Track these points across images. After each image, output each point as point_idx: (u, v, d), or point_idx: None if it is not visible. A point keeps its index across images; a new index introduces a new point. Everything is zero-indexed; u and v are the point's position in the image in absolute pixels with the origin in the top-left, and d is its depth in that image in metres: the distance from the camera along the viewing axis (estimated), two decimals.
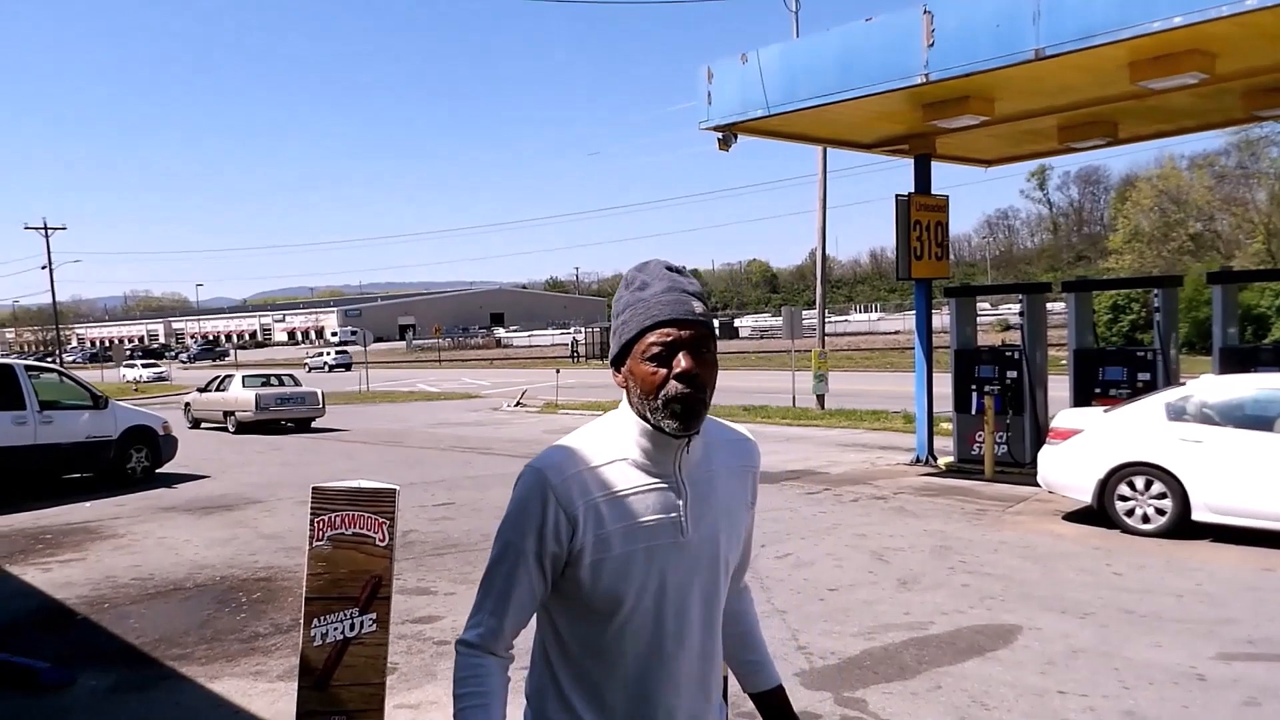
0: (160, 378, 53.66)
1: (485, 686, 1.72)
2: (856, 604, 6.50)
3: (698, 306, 1.62)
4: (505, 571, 1.70)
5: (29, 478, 12.45)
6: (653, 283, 1.64)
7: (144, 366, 56.71)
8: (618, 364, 1.67)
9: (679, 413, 1.59)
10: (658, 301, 1.61)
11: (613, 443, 1.68)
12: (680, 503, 1.66)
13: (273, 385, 22.67)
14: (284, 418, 22.01)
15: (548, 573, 1.67)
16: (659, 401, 1.59)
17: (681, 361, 1.58)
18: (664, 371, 1.59)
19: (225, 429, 22.02)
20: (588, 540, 1.62)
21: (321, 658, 3.53)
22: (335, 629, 3.53)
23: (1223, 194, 50.64)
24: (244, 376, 23.09)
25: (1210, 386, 8.55)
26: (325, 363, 62.03)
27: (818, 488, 11.32)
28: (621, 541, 1.63)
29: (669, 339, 1.59)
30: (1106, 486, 8.61)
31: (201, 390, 23.77)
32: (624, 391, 1.69)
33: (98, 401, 13.47)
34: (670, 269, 1.67)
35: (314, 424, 22.77)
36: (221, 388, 23.03)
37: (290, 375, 24.44)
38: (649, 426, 1.64)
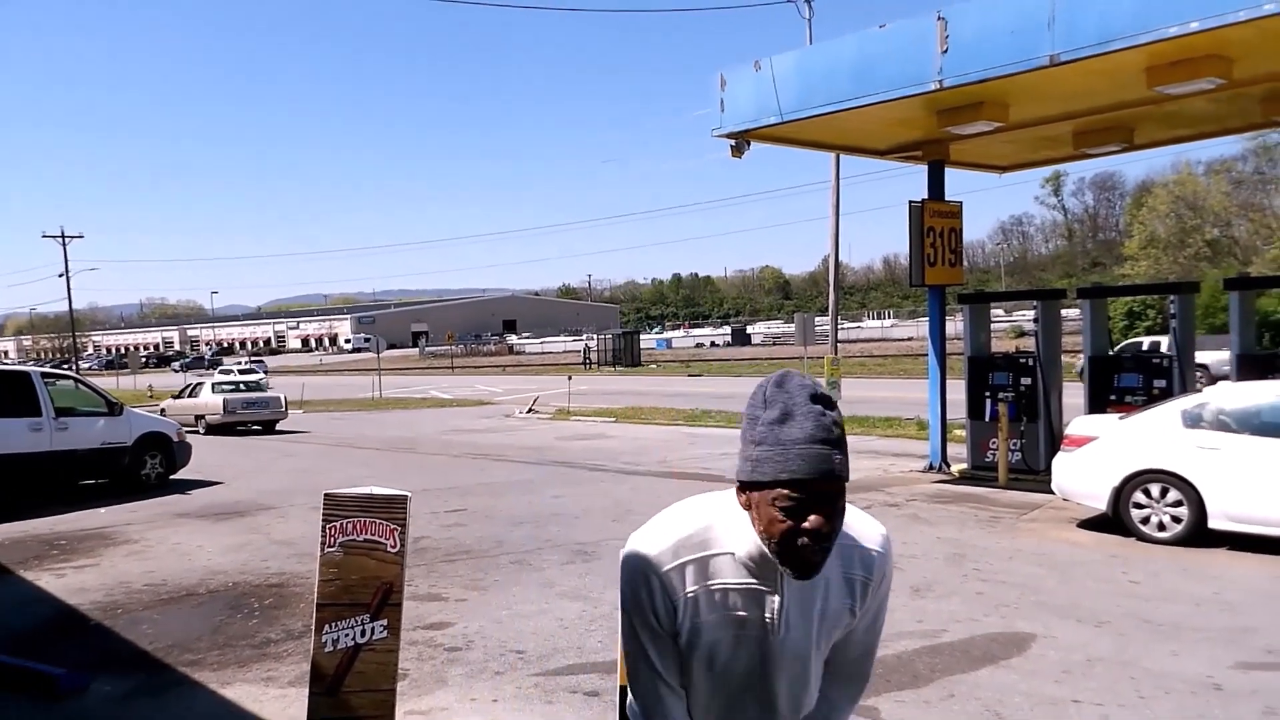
0: (258, 386, 46.80)
1: None
2: None
3: (838, 459, 1.57)
4: (640, 634, 1.76)
5: (45, 484, 12.52)
6: (794, 416, 1.58)
7: (241, 373, 42.78)
8: (745, 489, 1.64)
9: (800, 564, 1.60)
10: (799, 454, 1.56)
11: (722, 533, 1.70)
12: (776, 605, 1.70)
13: (240, 391, 24.49)
14: (250, 420, 23.71)
15: (666, 635, 1.75)
16: (781, 548, 1.60)
17: (813, 520, 1.57)
18: (792, 524, 1.58)
19: (196, 431, 22.77)
20: (685, 625, 1.71)
21: (333, 664, 3.53)
22: (346, 635, 3.54)
23: (1240, 200, 50.33)
24: (213, 383, 25.18)
25: (1227, 393, 8.47)
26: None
27: None
28: (714, 629, 1.71)
29: (804, 496, 1.56)
30: (1122, 494, 8.54)
31: (175, 397, 25.49)
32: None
33: (113, 408, 13.55)
34: (815, 398, 1.60)
35: (278, 426, 24.39)
36: (193, 394, 24.91)
37: (256, 382, 26.62)
38: (763, 547, 1.64)
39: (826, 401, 1.61)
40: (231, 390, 24.40)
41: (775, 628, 1.71)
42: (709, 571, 1.68)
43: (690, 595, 1.68)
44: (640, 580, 1.70)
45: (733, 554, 1.68)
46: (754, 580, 1.69)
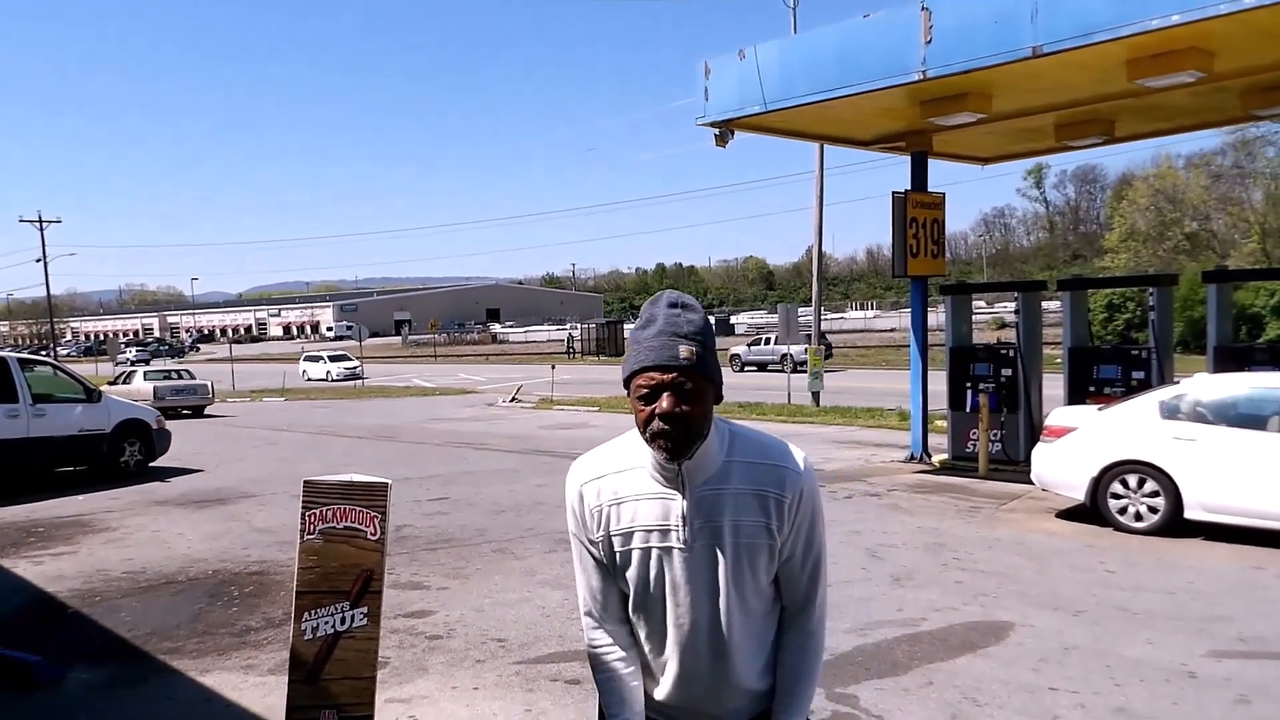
0: (354, 375, 39.76)
1: (604, 662, 1.99)
2: (849, 600, 6.50)
3: (683, 350, 1.76)
4: (579, 552, 1.98)
5: (21, 471, 12.41)
6: (654, 321, 1.81)
7: (332, 360, 42.69)
8: (627, 394, 1.86)
9: (663, 446, 1.79)
10: (648, 346, 1.79)
11: (636, 451, 1.89)
12: (679, 510, 1.85)
13: (171, 379, 26.85)
14: (179, 405, 25.42)
15: (600, 555, 1.94)
16: (648, 435, 1.81)
17: (663, 403, 1.76)
18: (648, 409, 1.78)
19: None
20: (602, 537, 1.91)
21: (312, 652, 3.52)
22: (326, 623, 3.52)
23: (1219, 193, 50.77)
24: (145, 371, 28.24)
25: (1204, 385, 8.56)
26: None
27: None
28: (628, 539, 1.88)
29: (653, 382, 1.78)
30: (1100, 484, 8.62)
31: (111, 383, 26.57)
32: None
33: (91, 395, 13.44)
34: (673, 305, 1.82)
35: (206, 410, 26.43)
36: (126, 381, 26.73)
37: (187, 370, 29.01)
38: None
39: (687, 305, 1.82)
40: (161, 378, 26.80)
41: (681, 535, 1.84)
42: (623, 485, 1.88)
43: (608, 505, 1.89)
44: (569, 493, 1.94)
45: (644, 467, 1.88)
46: (660, 488, 1.86)
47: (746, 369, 38.57)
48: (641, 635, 1.97)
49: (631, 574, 1.89)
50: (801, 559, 1.93)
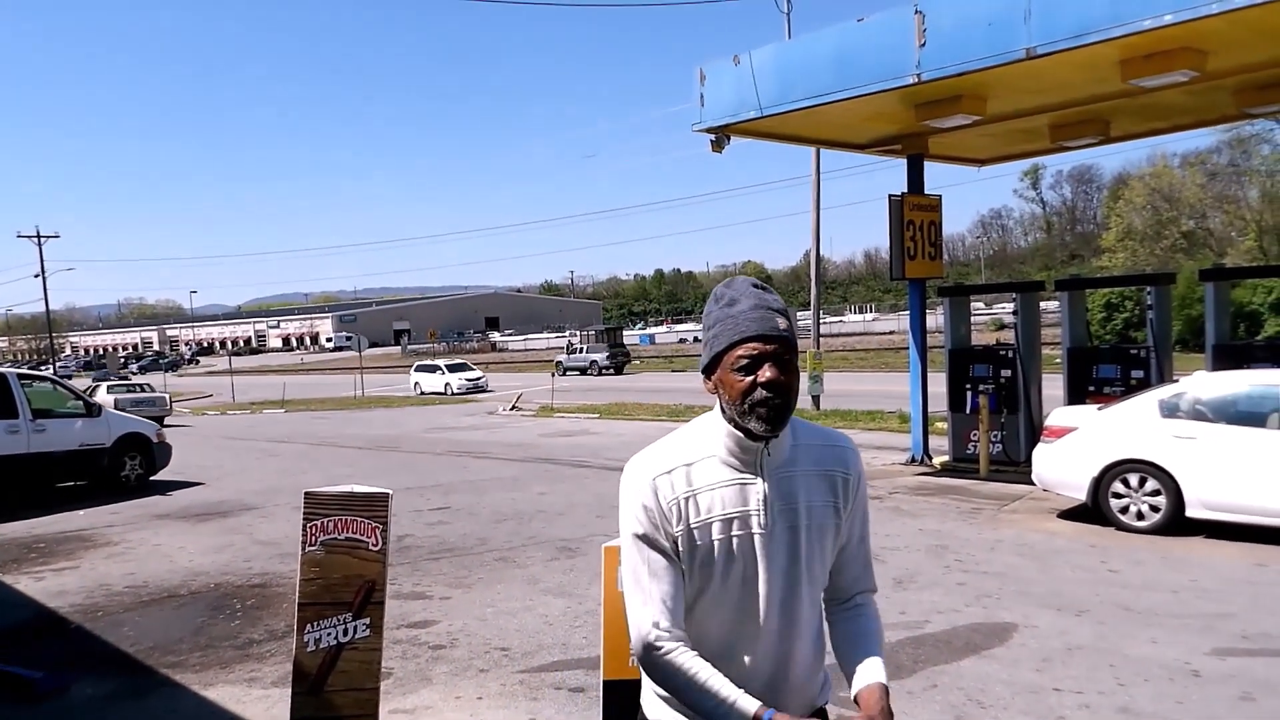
0: (478, 387, 36.40)
1: (695, 666, 1.81)
2: None
3: (781, 323, 1.80)
4: (645, 556, 1.84)
5: (23, 486, 12.40)
6: (741, 299, 1.82)
7: (451, 370, 37.52)
8: (708, 373, 1.86)
9: (765, 416, 1.77)
10: (746, 318, 1.79)
11: (704, 442, 1.87)
12: (759, 495, 1.83)
13: (131, 392, 29.58)
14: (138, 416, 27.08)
15: (671, 551, 1.83)
16: (746, 406, 1.78)
17: (766, 372, 1.77)
18: (750, 380, 1.77)
19: None
20: (681, 531, 1.82)
21: (315, 663, 3.52)
22: (329, 634, 3.52)
23: (1215, 192, 50.83)
24: (108, 385, 30.57)
25: (1203, 383, 8.56)
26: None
27: None
28: (707, 531, 1.82)
29: (755, 352, 1.78)
30: (1101, 484, 8.62)
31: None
32: (715, 398, 1.88)
33: (91, 409, 13.43)
34: (756, 286, 1.86)
35: (165, 421, 26.31)
36: (92, 395, 29.34)
37: (147, 384, 32.44)
38: (734, 430, 1.83)
39: (766, 287, 1.86)
40: (124, 391, 29.51)
41: (763, 521, 1.82)
42: (697, 476, 1.83)
43: (684, 497, 1.81)
44: (638, 490, 1.84)
45: (716, 456, 1.84)
46: (737, 474, 1.84)
47: (569, 373, 46.68)
48: (702, 631, 1.87)
49: (709, 564, 1.82)
50: (859, 538, 1.98)
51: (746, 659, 1.86)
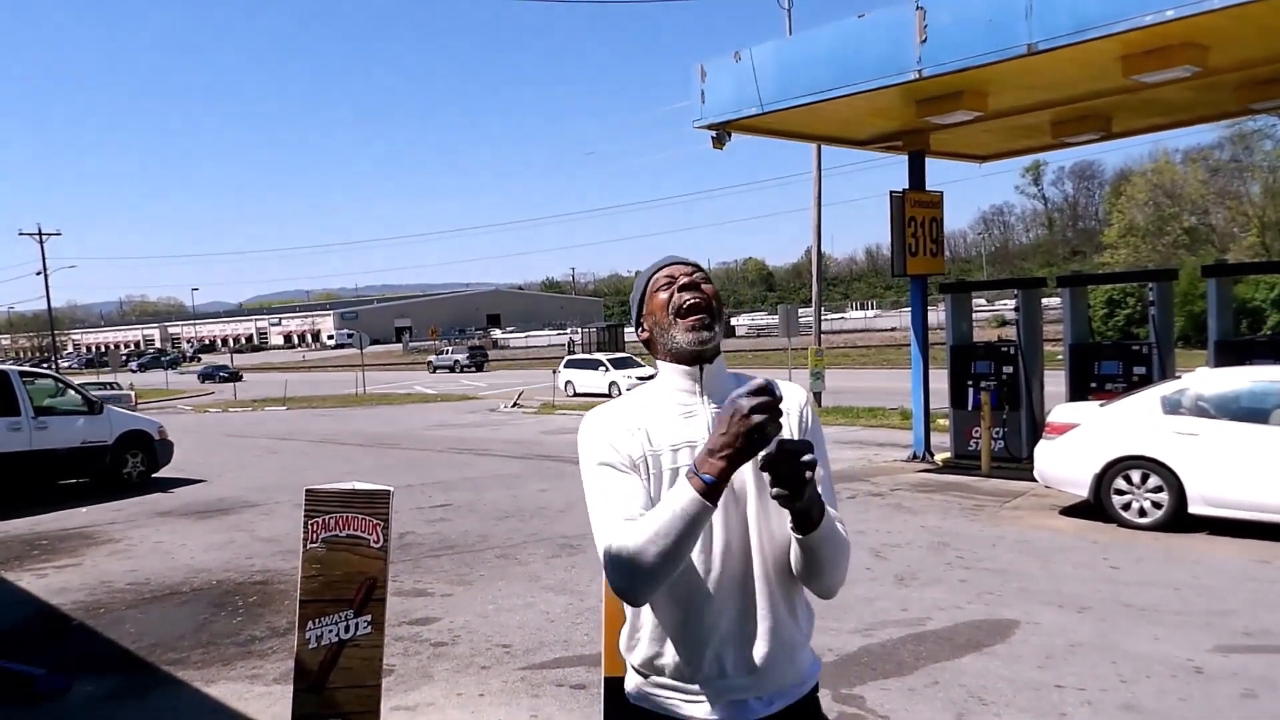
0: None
1: (640, 521, 1.75)
2: (854, 600, 6.49)
3: (690, 260, 2.02)
4: (609, 479, 1.86)
5: (25, 484, 12.40)
6: (659, 262, 2.06)
7: (616, 366, 30.25)
8: (639, 323, 2.03)
9: (693, 324, 1.91)
10: (655, 265, 2.04)
11: (651, 392, 1.99)
12: (706, 423, 1.88)
13: (100, 390, 29.62)
14: None
15: (630, 468, 1.86)
16: (672, 317, 1.93)
17: (682, 280, 1.95)
18: (671, 291, 1.95)
19: None
20: (643, 454, 1.87)
21: (316, 660, 3.52)
22: (330, 631, 3.52)
23: (1217, 187, 50.78)
24: (78, 384, 30.58)
25: (1206, 380, 8.55)
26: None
27: None
28: (661, 459, 1.87)
29: (670, 276, 1.98)
30: (1103, 480, 8.61)
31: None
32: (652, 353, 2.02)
33: (93, 407, 13.44)
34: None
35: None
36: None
37: (115, 383, 34.14)
38: (672, 363, 1.95)
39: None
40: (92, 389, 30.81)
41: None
42: (648, 415, 1.91)
43: (638, 428, 1.89)
44: (596, 427, 1.92)
45: (662, 397, 1.95)
46: (683, 406, 1.92)
47: (438, 370, 53.84)
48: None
49: (660, 497, 1.82)
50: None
51: (710, 605, 1.83)
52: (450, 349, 59.61)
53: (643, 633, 1.92)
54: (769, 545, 1.89)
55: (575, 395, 30.27)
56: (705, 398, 1.92)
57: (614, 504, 1.81)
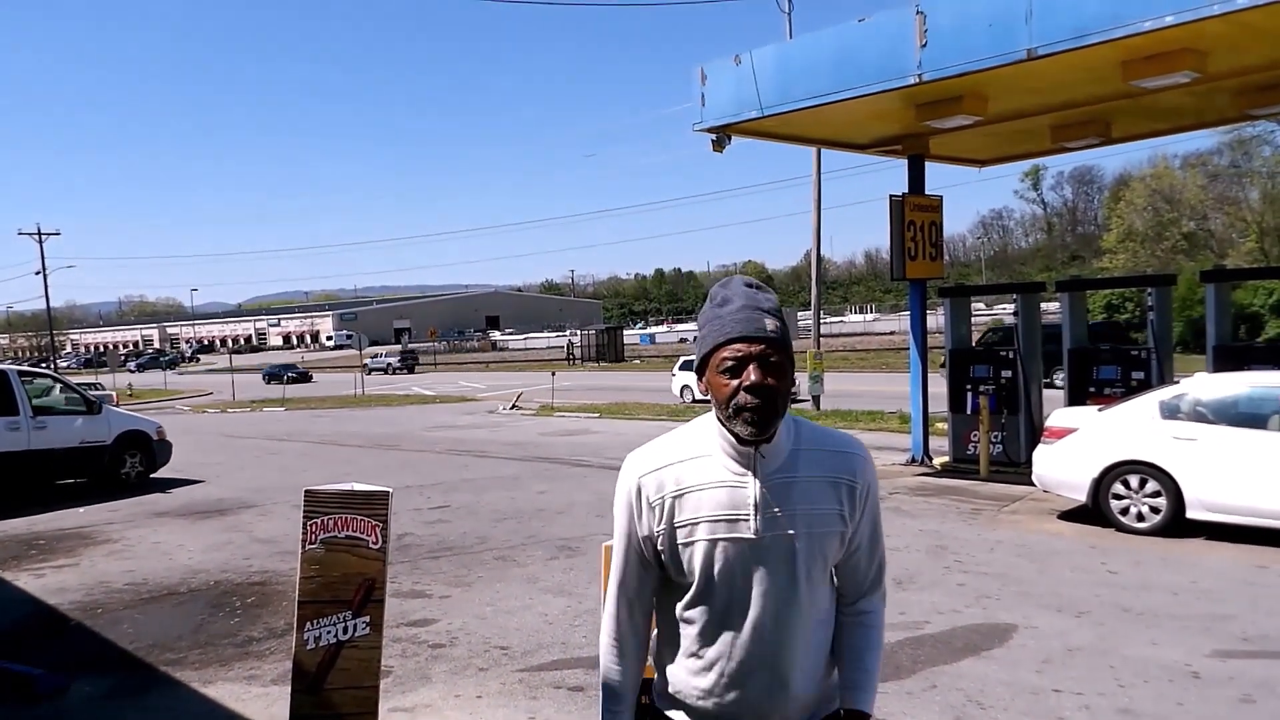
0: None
1: (612, 669, 1.98)
2: None
3: (769, 323, 1.77)
4: (624, 554, 1.92)
5: (23, 483, 12.39)
6: (733, 299, 1.81)
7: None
8: (700, 374, 1.85)
9: (749, 420, 1.74)
10: (732, 319, 1.78)
11: (700, 440, 1.86)
12: (752, 496, 1.80)
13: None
14: None
15: (647, 552, 1.89)
16: (731, 410, 1.76)
17: (751, 375, 1.74)
18: (735, 383, 1.75)
19: None
20: (664, 529, 1.84)
21: (314, 661, 3.52)
22: (328, 632, 3.52)
23: (1216, 193, 50.79)
24: (76, 384, 31.75)
25: (1204, 385, 8.56)
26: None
27: None
28: (697, 529, 1.81)
29: (740, 354, 1.75)
30: (1101, 485, 8.62)
31: None
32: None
33: (91, 407, 13.43)
34: (750, 285, 1.84)
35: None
36: None
37: (97, 383, 34.41)
38: (726, 431, 1.81)
39: (761, 285, 1.85)
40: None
41: (753, 525, 1.79)
42: (688, 475, 1.83)
43: (671, 496, 1.82)
44: (625, 488, 1.88)
45: (711, 455, 1.84)
46: (730, 475, 1.81)
47: (373, 372, 55.72)
48: (694, 632, 1.87)
49: (695, 566, 1.81)
50: (869, 546, 1.93)
51: (736, 662, 1.84)
52: (384, 353, 65.66)
53: (668, 665, 1.97)
54: (809, 604, 1.87)
55: (694, 401, 25.62)
56: (757, 473, 1.81)
57: (617, 585, 1.95)
